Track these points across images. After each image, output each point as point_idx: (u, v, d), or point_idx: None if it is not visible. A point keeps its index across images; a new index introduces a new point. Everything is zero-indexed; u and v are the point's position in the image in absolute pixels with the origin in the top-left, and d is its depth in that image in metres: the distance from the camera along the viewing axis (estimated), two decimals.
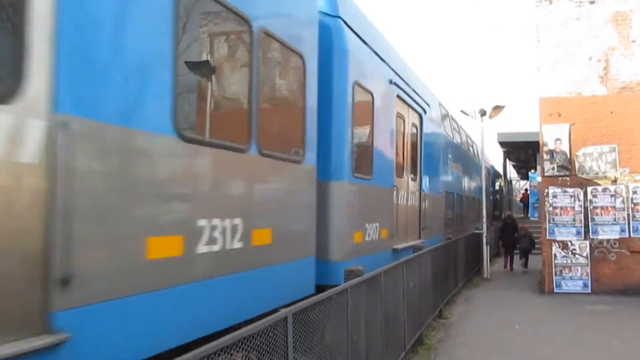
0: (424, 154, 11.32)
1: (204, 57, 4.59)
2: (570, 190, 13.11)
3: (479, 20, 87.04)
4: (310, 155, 5.94)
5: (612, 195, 12.88)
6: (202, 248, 4.04)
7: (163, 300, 3.67)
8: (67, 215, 2.96)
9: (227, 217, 4.37)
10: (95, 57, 3.17)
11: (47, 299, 2.86)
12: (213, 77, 4.57)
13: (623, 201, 12.80)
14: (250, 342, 3.19)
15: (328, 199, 6.39)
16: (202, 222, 4.04)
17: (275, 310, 3.90)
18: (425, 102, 11.62)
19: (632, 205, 12.72)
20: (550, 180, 13.30)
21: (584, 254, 12.91)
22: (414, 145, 10.70)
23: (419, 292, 8.23)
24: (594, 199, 12.96)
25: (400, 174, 9.59)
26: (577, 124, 13.14)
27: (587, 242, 12.92)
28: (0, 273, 2.69)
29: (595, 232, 12.91)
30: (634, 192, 12.75)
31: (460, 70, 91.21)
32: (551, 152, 13.28)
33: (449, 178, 15.11)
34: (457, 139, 16.62)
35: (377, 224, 7.95)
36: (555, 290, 12.90)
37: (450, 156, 15.04)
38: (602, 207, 12.92)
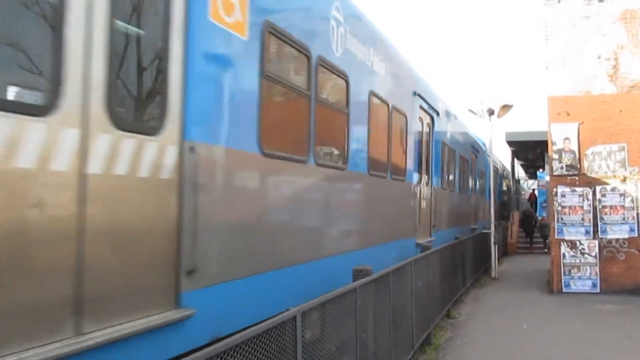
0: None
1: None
2: (579, 189, 13.05)
3: (487, 19, 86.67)
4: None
5: (621, 195, 12.80)
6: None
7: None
8: None
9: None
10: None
11: None
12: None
13: (632, 200, 12.71)
14: (260, 341, 3.21)
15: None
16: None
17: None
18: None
19: None
20: (559, 179, 13.24)
21: (593, 254, 12.85)
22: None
23: (427, 292, 8.23)
24: (603, 198, 12.89)
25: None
26: (586, 122, 13.06)
27: (596, 242, 12.85)
28: None
29: (604, 231, 12.84)
30: None
31: (468, 69, 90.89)
32: (560, 151, 13.22)
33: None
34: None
35: None
36: (564, 289, 12.85)
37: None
38: (611, 207, 12.85)
